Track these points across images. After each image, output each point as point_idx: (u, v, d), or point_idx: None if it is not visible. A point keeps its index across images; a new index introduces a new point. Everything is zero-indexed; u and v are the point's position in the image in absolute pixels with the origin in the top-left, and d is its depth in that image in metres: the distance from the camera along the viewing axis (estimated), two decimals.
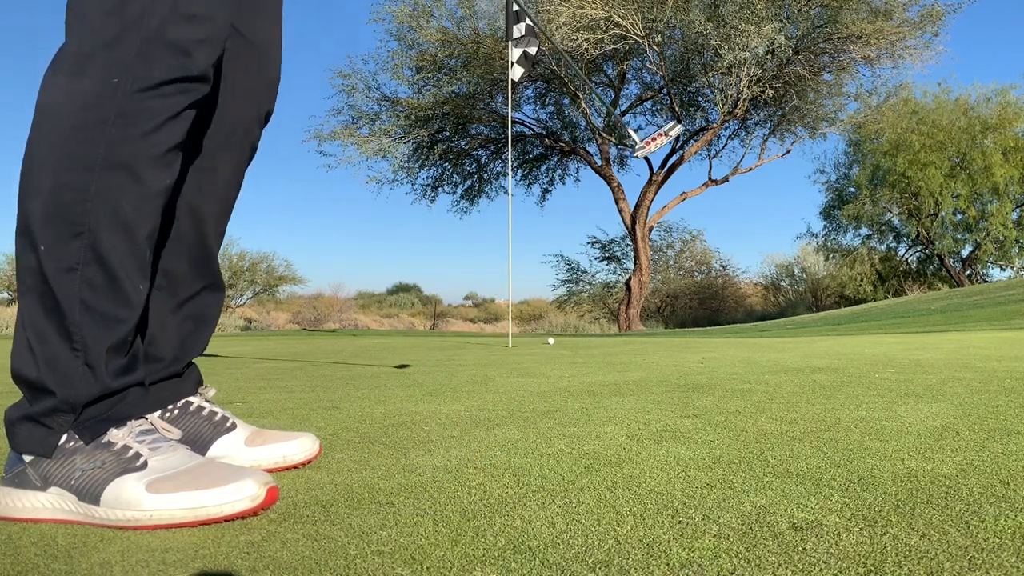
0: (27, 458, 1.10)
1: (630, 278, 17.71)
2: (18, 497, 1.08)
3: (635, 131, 1.30)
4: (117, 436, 1.09)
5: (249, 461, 1.30)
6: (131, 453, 1.08)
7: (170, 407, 1.34)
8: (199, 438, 1.32)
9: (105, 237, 1.06)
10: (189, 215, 1.30)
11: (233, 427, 1.35)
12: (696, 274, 27.67)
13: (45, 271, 1.05)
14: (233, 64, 1.26)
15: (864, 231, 25.81)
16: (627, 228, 17.83)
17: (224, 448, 1.32)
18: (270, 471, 1.26)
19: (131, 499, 1.03)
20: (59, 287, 1.05)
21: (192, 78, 1.11)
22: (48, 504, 1.07)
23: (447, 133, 17.41)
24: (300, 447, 1.34)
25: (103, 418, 1.10)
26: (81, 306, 1.06)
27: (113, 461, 1.07)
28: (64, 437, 1.08)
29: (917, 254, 26.24)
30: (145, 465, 1.07)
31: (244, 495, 1.03)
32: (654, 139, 1.26)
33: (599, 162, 17.39)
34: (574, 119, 17.66)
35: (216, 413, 1.36)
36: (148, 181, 1.09)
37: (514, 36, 6.42)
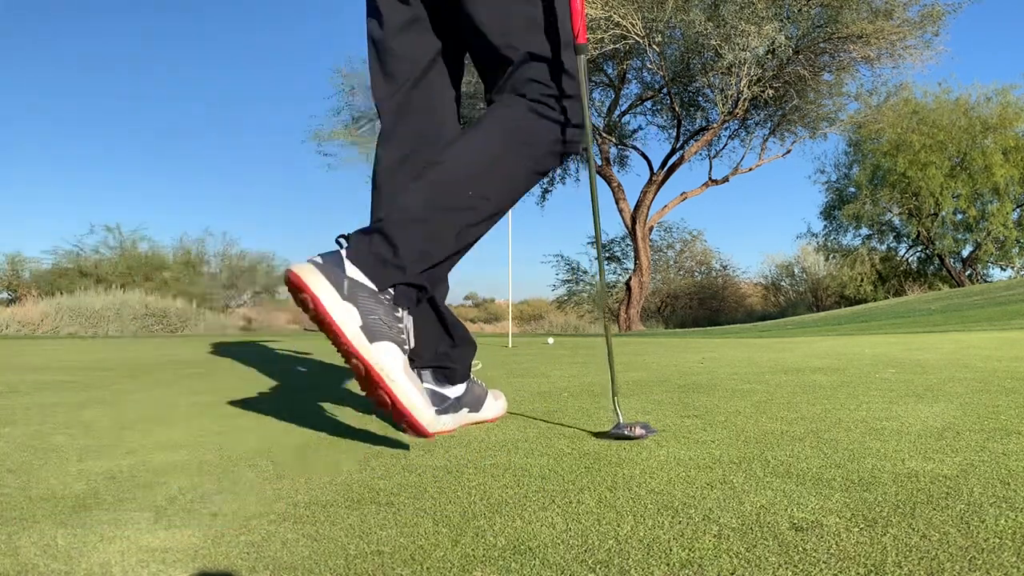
0: (350, 275, 1.32)
1: (630, 278, 17.70)
2: (326, 287, 1.31)
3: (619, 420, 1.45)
4: (406, 320, 1.39)
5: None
6: (404, 336, 1.37)
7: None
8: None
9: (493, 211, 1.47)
10: None
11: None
12: (696, 274, 27.63)
13: (456, 213, 1.42)
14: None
15: (864, 231, 25.79)
16: (627, 228, 17.82)
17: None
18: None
19: (390, 364, 1.30)
20: (449, 223, 1.42)
21: (570, 154, 1.55)
22: (342, 310, 1.30)
23: None
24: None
25: (413, 298, 1.40)
26: (457, 237, 1.43)
27: (397, 333, 1.35)
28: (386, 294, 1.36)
29: (917, 254, 26.22)
30: (405, 352, 1.35)
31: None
32: (634, 429, 1.41)
33: (599, 162, 17.39)
34: None
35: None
36: (505, 210, 1.50)
37: None
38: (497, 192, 1.47)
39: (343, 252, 1.35)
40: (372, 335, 1.30)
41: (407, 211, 1.40)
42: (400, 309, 1.37)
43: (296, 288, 1.31)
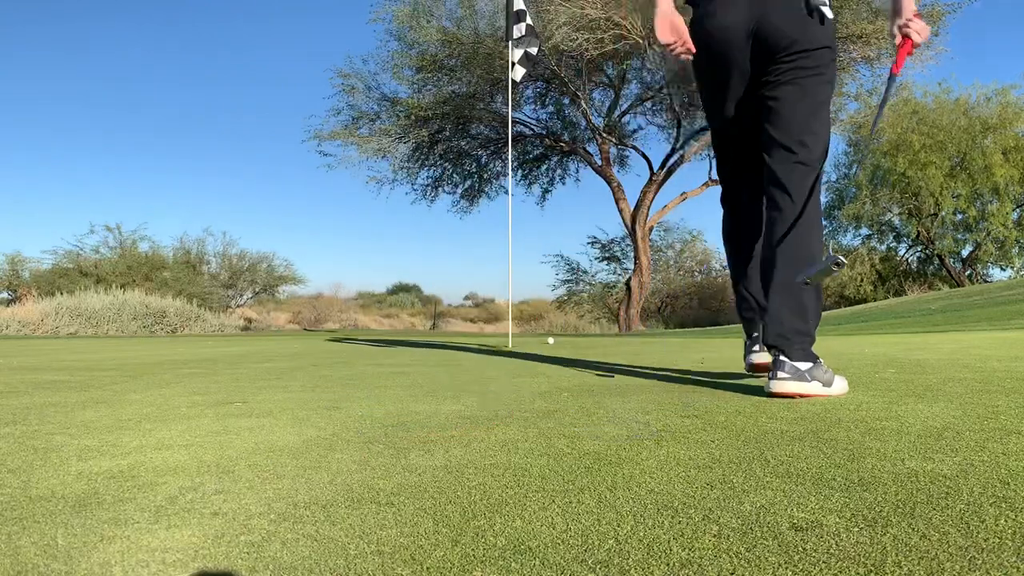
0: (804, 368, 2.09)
1: (630, 278, 17.69)
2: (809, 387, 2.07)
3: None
4: (822, 362, 2.14)
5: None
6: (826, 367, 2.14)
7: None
8: None
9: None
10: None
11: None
12: (696, 274, 27.61)
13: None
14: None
15: (864, 231, 25.79)
16: (627, 228, 17.82)
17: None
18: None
19: (840, 385, 2.12)
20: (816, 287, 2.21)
21: None
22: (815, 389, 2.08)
23: (447, 133, 17.39)
24: None
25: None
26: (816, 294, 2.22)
27: (829, 373, 2.11)
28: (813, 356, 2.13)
29: (917, 254, 26.21)
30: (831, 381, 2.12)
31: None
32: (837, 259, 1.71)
33: (599, 162, 17.38)
34: (574, 119, 17.65)
35: None
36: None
37: (514, 36, 6.42)
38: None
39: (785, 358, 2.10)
40: (828, 383, 2.10)
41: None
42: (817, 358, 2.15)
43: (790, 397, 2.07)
